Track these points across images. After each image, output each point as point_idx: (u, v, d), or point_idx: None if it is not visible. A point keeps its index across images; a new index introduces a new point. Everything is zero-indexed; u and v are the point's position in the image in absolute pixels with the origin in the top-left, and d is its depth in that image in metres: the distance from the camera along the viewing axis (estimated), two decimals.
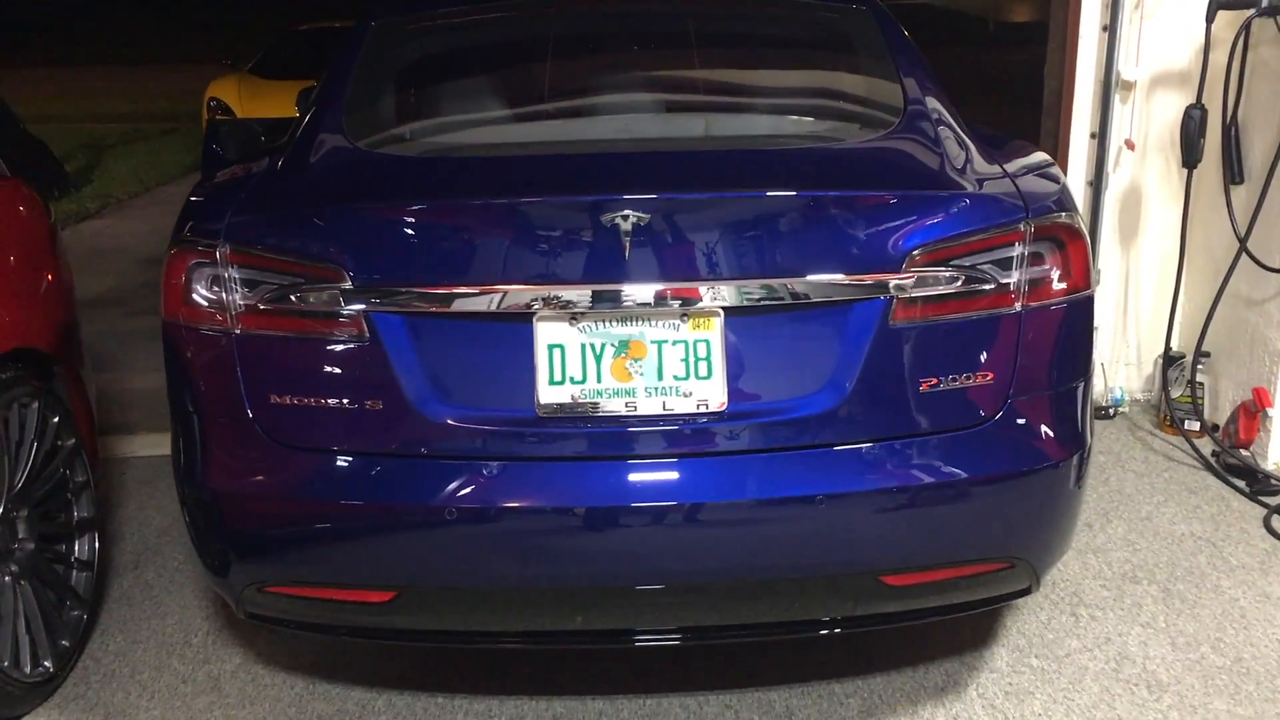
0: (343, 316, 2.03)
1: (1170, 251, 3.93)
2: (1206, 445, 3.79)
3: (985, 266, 2.07)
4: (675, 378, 2.03)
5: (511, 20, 2.87)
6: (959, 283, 2.05)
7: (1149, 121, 3.98)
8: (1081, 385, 2.22)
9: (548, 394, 2.02)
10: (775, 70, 2.74)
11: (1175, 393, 3.95)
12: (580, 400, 2.02)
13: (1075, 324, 2.19)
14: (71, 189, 10.00)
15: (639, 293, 1.99)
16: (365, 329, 2.03)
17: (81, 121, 15.92)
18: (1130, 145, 3.96)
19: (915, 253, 2.04)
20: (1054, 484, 2.17)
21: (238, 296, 2.08)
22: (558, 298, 1.99)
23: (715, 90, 2.70)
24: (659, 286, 1.99)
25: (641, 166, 2.20)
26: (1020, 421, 2.13)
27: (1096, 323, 4.11)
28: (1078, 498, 2.24)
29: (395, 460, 2.06)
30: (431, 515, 2.02)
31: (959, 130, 2.38)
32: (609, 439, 2.04)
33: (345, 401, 2.05)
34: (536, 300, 1.99)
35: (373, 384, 2.04)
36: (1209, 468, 3.68)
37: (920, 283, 2.03)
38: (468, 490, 2.01)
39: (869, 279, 2.02)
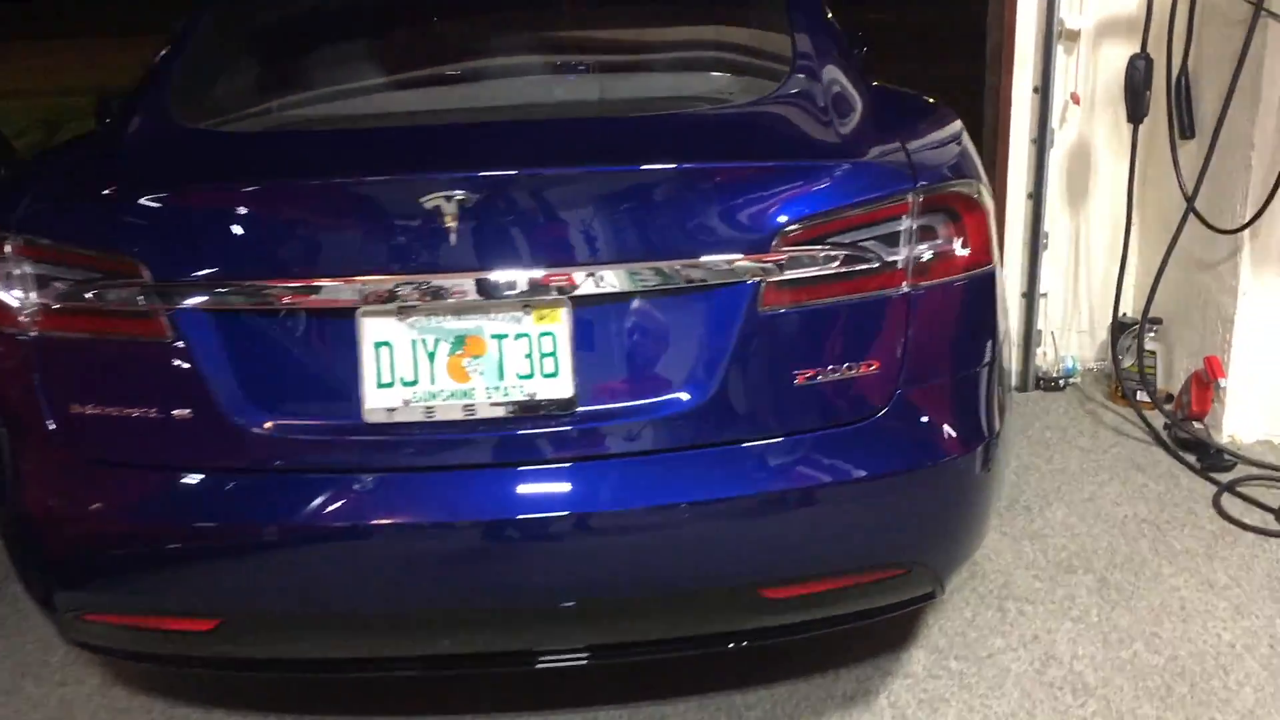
0: (143, 315, 1.81)
1: (1123, 212, 3.69)
2: (1159, 418, 3.58)
3: (867, 243, 1.85)
4: (519, 376, 1.81)
5: None
6: (836, 262, 1.83)
7: (1095, 73, 3.73)
8: (985, 371, 2.00)
9: (375, 398, 1.80)
10: (649, 29, 2.48)
11: (1127, 362, 3.73)
12: (412, 404, 1.80)
13: (975, 303, 1.97)
14: None
15: (473, 282, 1.76)
16: (169, 329, 1.80)
17: (44, 96, 15.55)
18: (1076, 99, 3.71)
19: (787, 230, 1.81)
20: (952, 481, 1.96)
21: (33, 294, 1.86)
22: (382, 290, 1.77)
23: (584, 50, 2.45)
24: (495, 274, 1.77)
25: (474, 140, 1.96)
26: (911, 414, 1.91)
27: (1044, 289, 3.93)
28: (983, 493, 2.03)
29: (207, 475, 1.84)
30: (247, 535, 1.81)
31: (852, 91, 2.14)
32: (445, 447, 1.82)
33: (152, 411, 1.83)
34: (358, 293, 1.77)
35: (180, 391, 1.82)
36: (1159, 442, 3.47)
37: (792, 263, 1.81)
38: (287, 507, 1.80)
39: (732, 261, 1.79)
